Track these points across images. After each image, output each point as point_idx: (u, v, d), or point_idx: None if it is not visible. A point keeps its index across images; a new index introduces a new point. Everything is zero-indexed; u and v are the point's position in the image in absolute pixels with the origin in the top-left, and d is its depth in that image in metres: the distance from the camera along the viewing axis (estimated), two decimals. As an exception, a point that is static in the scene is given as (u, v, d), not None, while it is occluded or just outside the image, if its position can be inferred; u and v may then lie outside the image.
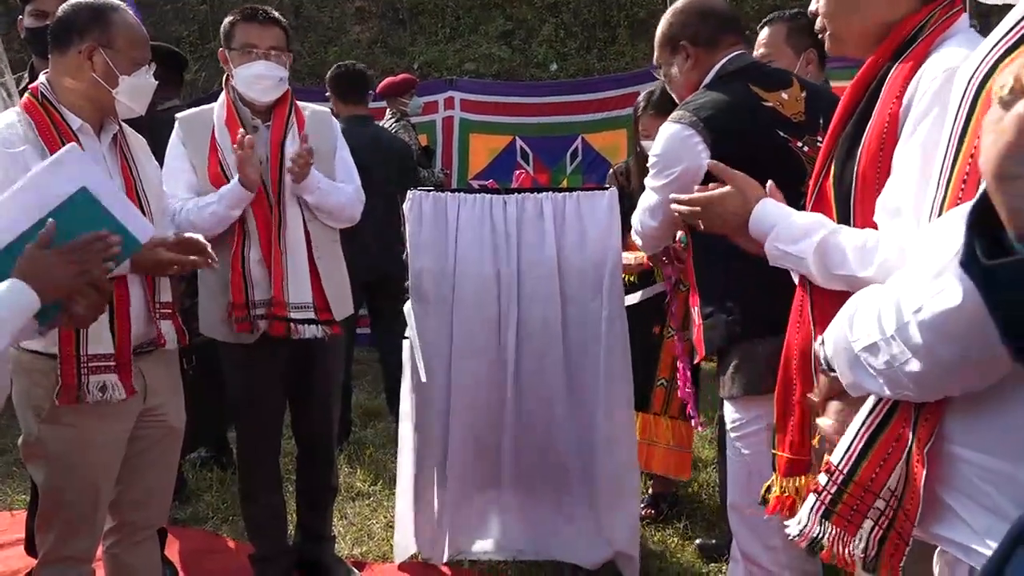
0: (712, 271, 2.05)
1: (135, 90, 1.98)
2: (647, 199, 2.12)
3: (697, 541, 3.00)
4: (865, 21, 1.45)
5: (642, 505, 3.22)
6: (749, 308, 1.96)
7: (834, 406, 1.17)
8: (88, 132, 1.96)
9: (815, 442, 1.54)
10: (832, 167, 1.47)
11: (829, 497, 1.07)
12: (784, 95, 2.00)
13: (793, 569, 1.95)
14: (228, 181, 2.44)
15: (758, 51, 2.84)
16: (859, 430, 1.05)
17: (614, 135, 5.82)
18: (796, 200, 1.70)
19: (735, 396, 2.02)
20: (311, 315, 2.52)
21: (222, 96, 2.55)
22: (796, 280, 1.57)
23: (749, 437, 2.00)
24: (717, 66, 2.04)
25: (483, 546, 2.96)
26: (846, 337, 1.00)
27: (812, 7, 1.54)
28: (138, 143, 2.13)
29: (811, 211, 1.51)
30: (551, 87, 6.67)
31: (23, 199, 1.55)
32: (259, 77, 2.48)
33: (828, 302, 1.41)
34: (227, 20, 2.55)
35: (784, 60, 2.74)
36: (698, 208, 1.64)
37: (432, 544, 2.95)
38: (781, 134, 1.95)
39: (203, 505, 3.48)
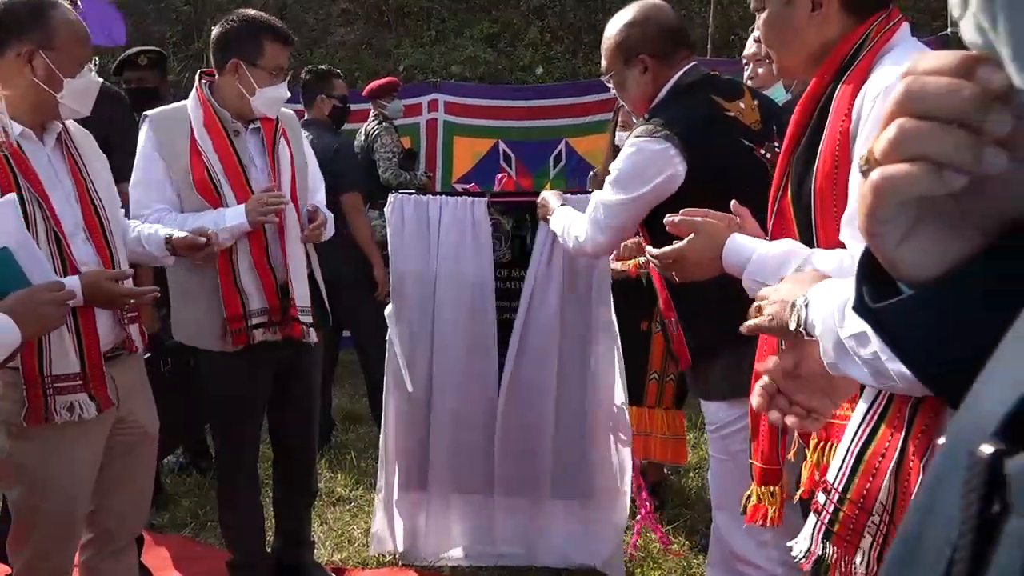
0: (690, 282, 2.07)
1: (80, 93, 1.87)
2: (599, 213, 2.08)
3: (703, 541, 3.01)
4: (802, 47, 1.48)
5: (647, 500, 3.22)
6: (737, 310, 1.96)
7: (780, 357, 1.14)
8: (30, 137, 1.86)
9: (791, 456, 1.55)
10: (789, 186, 1.49)
11: (828, 517, 1.06)
12: (741, 104, 2.04)
13: (786, 564, 1.95)
14: (215, 189, 2.37)
15: (749, 50, 2.88)
16: (849, 445, 1.04)
17: (599, 139, 5.81)
18: (765, 204, 1.77)
19: (726, 396, 2.03)
20: (310, 319, 2.51)
21: (195, 96, 2.45)
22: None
23: (740, 433, 2.00)
24: (674, 79, 2.05)
25: (464, 551, 2.94)
26: (835, 320, 0.97)
27: (756, 32, 1.56)
28: (81, 137, 2.03)
29: (773, 228, 1.53)
30: (536, 91, 6.67)
31: None
32: (281, 99, 2.48)
33: None
34: (244, 29, 2.40)
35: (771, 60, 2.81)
36: (670, 261, 1.63)
37: (412, 547, 2.94)
38: (745, 143, 1.99)
39: (181, 511, 3.44)
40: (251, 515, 2.71)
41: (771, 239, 1.53)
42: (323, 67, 4.35)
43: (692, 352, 2.09)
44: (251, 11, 2.50)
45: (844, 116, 1.36)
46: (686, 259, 1.59)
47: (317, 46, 9.42)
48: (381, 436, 2.92)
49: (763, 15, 1.51)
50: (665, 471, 3.55)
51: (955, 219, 0.50)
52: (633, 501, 3.15)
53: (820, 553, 1.07)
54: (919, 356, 0.55)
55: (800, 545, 1.11)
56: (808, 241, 1.43)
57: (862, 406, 1.04)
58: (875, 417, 1.01)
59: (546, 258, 2.68)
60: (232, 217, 2.33)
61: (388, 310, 2.84)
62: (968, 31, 0.46)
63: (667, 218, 1.61)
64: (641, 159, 1.96)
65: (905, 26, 1.42)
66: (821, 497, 1.08)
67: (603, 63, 2.15)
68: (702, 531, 3.01)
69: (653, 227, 2.10)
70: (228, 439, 2.65)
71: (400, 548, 2.95)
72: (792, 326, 1.05)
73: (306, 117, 4.10)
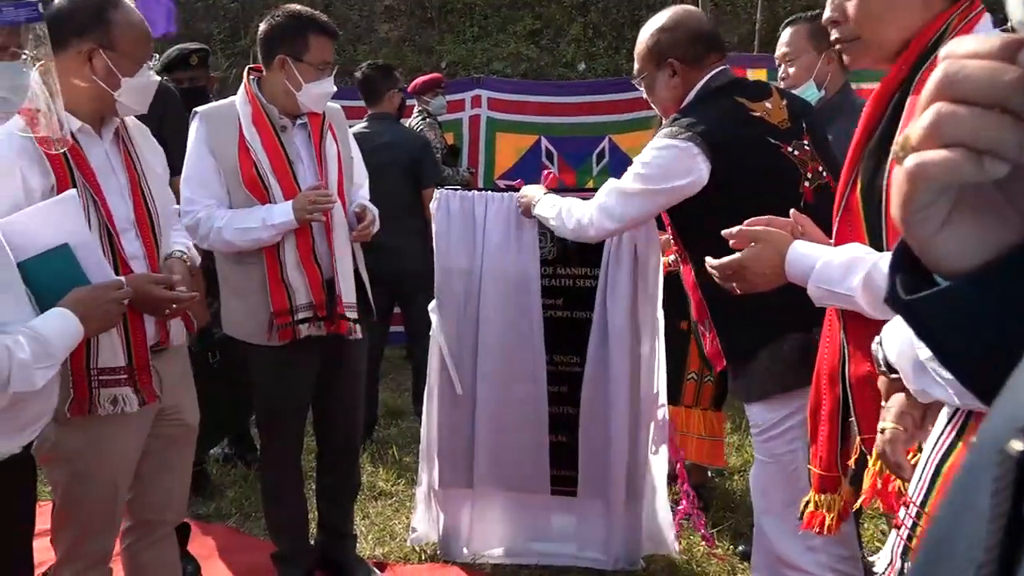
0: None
1: (137, 91, 1.89)
2: (612, 200, 2.11)
3: (740, 548, 2.96)
4: (898, 27, 1.41)
5: (689, 492, 3.19)
6: (773, 308, 1.96)
7: (894, 407, 1.13)
8: (89, 132, 1.89)
9: (851, 462, 1.50)
10: (859, 180, 1.44)
11: (907, 532, 1.03)
12: (768, 104, 2.07)
13: (835, 571, 1.92)
14: (264, 186, 2.39)
15: (780, 51, 2.81)
16: (928, 457, 1.01)
17: (642, 136, 5.74)
18: (796, 201, 1.88)
19: (768, 395, 2.03)
20: (355, 315, 2.52)
21: (243, 92, 2.46)
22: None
23: (785, 435, 2.01)
24: (701, 82, 2.11)
25: (506, 548, 2.94)
26: (911, 343, 0.96)
27: (828, 14, 1.49)
28: (140, 132, 2.05)
29: (839, 225, 1.48)
30: (579, 87, 6.62)
31: (16, 231, 1.54)
32: (328, 94, 2.48)
33: (860, 317, 1.40)
34: (289, 24, 2.40)
35: (806, 60, 2.73)
36: (731, 272, 1.59)
37: (453, 543, 2.94)
38: (772, 141, 2.02)
39: (226, 501, 3.48)
40: (295, 508, 2.74)
41: (836, 236, 1.49)
42: (382, 62, 4.42)
43: (727, 355, 2.10)
44: (296, 6, 2.50)
45: None
46: (747, 270, 1.55)
47: (361, 42, 9.48)
48: (423, 431, 2.93)
49: None
50: (708, 474, 3.50)
51: (997, 207, 0.47)
52: (676, 500, 3.11)
53: (900, 568, 1.03)
54: (954, 350, 0.52)
55: (881, 561, 1.08)
56: (877, 237, 1.39)
57: (941, 419, 1.01)
58: (954, 431, 0.98)
59: (615, 258, 2.65)
60: (279, 214, 2.35)
61: (431, 305, 2.84)
62: (1016, 9, 0.44)
63: (726, 231, 1.57)
64: (668, 156, 2.00)
65: (987, 16, 1.38)
66: (901, 512, 1.05)
67: (635, 66, 2.22)
68: (747, 535, 2.96)
69: (684, 231, 2.15)
70: (273, 432, 2.68)
71: (440, 544, 2.95)
72: (879, 369, 1.04)
73: (373, 112, 4.14)
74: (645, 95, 2.24)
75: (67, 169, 1.81)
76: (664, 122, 2.22)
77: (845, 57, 1.51)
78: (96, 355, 1.83)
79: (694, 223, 2.09)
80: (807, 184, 2.00)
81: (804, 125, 2.07)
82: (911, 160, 0.47)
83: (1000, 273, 0.48)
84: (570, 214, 2.26)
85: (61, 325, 1.48)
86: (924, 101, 0.47)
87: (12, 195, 1.71)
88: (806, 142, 2.04)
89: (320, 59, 2.42)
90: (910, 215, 0.49)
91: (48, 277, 1.55)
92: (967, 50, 0.45)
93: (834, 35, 1.49)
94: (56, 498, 1.97)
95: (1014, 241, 0.48)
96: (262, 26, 2.49)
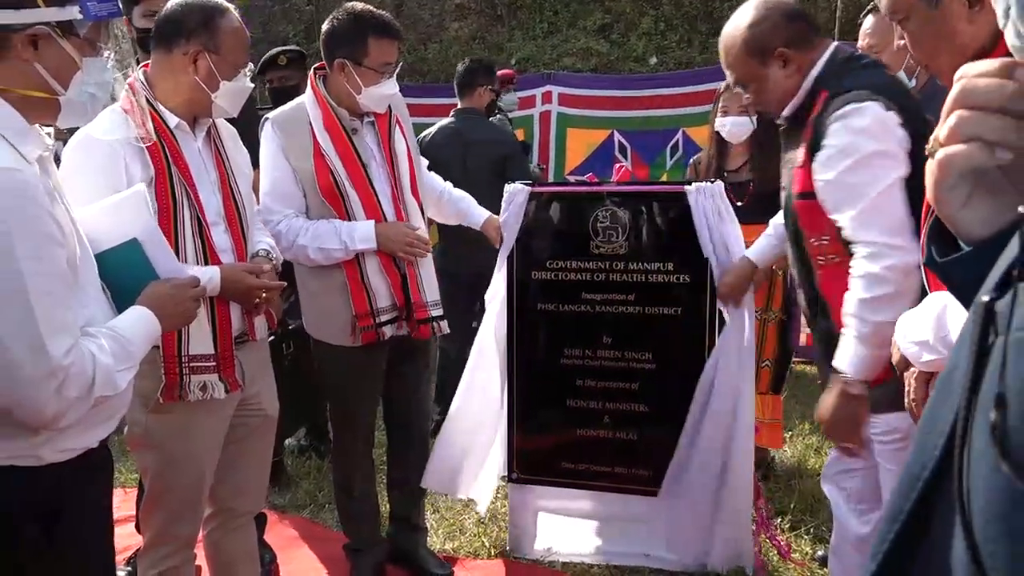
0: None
1: (232, 95, 1.97)
2: (859, 218, 1.71)
3: (819, 553, 2.86)
4: (961, 49, 1.34)
5: (763, 508, 3.11)
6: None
7: None
8: (185, 129, 1.97)
9: None
10: None
11: None
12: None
13: None
14: (340, 194, 2.40)
15: (863, 42, 2.65)
16: None
17: (716, 129, 5.63)
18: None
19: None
20: (440, 312, 2.54)
21: (312, 96, 2.44)
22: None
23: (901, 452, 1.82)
24: (821, 62, 1.86)
25: (574, 546, 2.91)
26: None
27: (866, 25, 1.41)
28: (228, 133, 2.13)
29: (928, 223, 1.38)
30: (650, 80, 6.53)
31: (87, 226, 1.56)
32: (389, 96, 2.46)
33: None
34: (349, 27, 2.36)
35: (894, 50, 2.56)
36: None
37: (521, 539, 2.93)
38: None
39: (301, 492, 3.55)
40: (366, 500, 2.77)
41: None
42: (487, 59, 4.45)
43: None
44: (358, 5, 2.43)
45: None
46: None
47: (432, 41, 9.57)
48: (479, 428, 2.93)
49: (907, 24, 1.39)
50: (772, 455, 3.41)
51: (1005, 189, 0.60)
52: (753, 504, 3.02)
53: None
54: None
55: None
56: None
57: None
58: None
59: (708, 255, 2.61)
60: (361, 240, 2.39)
61: (487, 295, 2.89)
62: (1010, 37, 0.62)
63: None
64: (877, 127, 1.67)
65: None
66: None
67: (731, 77, 1.96)
68: (826, 540, 2.85)
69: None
70: (344, 426, 2.71)
71: (510, 539, 2.94)
72: None
73: (462, 106, 4.14)
74: (752, 104, 2.00)
75: (165, 162, 1.89)
76: (739, 106, 2.04)
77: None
78: (187, 343, 1.90)
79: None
80: None
81: None
82: (940, 152, 0.62)
83: (1005, 239, 0.60)
84: (860, 289, 1.73)
85: (143, 325, 1.52)
86: (946, 110, 0.62)
87: (115, 184, 1.78)
88: None
89: (380, 62, 2.37)
90: (940, 195, 0.63)
91: (119, 271, 1.58)
92: (977, 71, 0.60)
93: (902, 58, 1.42)
94: (145, 483, 2.04)
95: (1017, 214, 0.60)
96: (324, 26, 2.46)
